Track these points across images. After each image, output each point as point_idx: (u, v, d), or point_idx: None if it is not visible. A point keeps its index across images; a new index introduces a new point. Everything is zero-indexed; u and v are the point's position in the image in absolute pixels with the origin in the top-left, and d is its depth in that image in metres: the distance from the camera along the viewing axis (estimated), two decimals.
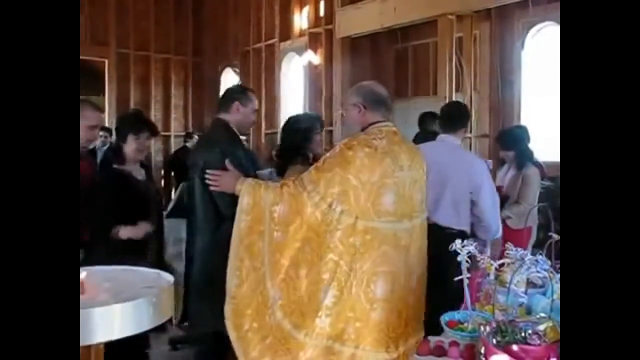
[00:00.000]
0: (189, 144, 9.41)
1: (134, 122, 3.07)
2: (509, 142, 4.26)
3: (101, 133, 7.38)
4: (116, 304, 1.32)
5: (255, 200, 2.36)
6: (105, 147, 7.09)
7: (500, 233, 3.70)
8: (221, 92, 10.68)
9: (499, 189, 3.87)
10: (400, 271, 2.32)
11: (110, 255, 2.53)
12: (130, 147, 2.96)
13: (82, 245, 2.74)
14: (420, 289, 2.46)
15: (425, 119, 5.84)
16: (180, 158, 9.26)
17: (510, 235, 3.60)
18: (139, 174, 3.06)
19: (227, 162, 2.62)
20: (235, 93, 3.07)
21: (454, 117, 3.39)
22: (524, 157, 4.16)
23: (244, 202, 2.39)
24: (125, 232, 2.81)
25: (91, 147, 7.13)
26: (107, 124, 9.53)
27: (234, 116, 2.97)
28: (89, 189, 2.80)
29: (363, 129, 2.43)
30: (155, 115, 10.77)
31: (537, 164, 4.42)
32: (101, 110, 3.08)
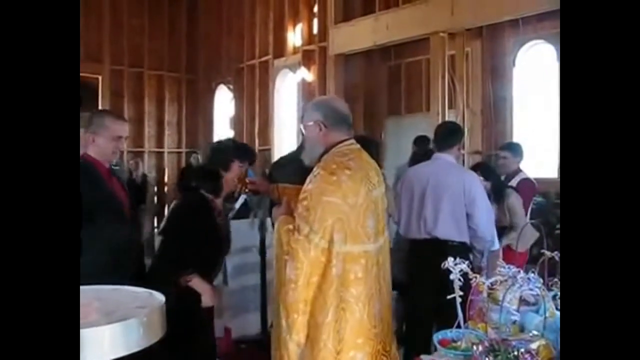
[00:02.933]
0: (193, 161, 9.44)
1: (240, 148, 2.97)
2: (485, 172, 4.29)
3: None
4: (107, 325, 1.31)
5: (277, 241, 2.31)
6: None
7: (497, 245, 3.75)
8: (215, 108, 10.53)
9: None
10: (382, 288, 2.32)
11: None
12: (232, 174, 2.84)
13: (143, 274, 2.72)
14: (389, 302, 2.44)
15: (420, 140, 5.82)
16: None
17: (514, 258, 3.63)
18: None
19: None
20: None
21: (447, 136, 3.55)
22: (498, 189, 4.17)
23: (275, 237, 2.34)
24: (205, 300, 2.68)
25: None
26: None
27: None
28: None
29: (328, 149, 2.31)
30: (149, 131, 10.80)
31: (529, 181, 4.44)
32: (125, 120, 2.88)
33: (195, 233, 2.65)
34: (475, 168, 4.42)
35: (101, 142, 2.65)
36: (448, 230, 3.27)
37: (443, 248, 3.11)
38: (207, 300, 2.67)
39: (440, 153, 3.51)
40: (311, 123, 2.33)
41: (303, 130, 2.42)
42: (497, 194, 4.11)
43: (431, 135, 5.79)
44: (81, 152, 2.65)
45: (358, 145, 2.34)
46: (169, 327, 2.51)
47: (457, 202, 3.27)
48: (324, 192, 2.16)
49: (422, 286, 3.29)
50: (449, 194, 3.28)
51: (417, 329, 3.38)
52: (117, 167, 3.12)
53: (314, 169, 2.26)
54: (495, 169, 4.35)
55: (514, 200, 4.09)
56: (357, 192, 2.19)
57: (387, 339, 2.32)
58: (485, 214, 3.31)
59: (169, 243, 2.71)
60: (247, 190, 2.82)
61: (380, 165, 2.54)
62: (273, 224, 2.46)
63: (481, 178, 4.06)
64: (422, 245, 3.35)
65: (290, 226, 2.22)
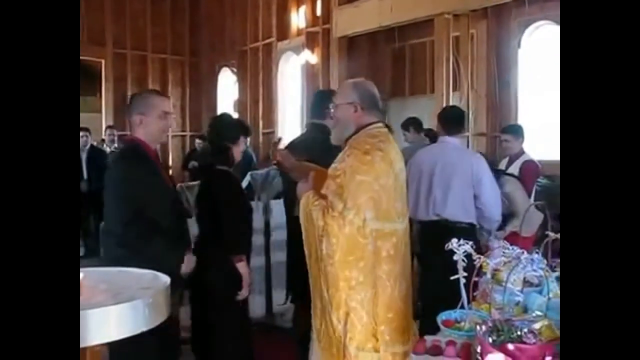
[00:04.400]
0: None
1: (244, 125, 3.18)
2: None
3: (81, 133, 7.22)
4: (112, 306, 1.32)
5: (307, 218, 2.33)
6: (87, 147, 6.88)
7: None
8: (219, 91, 10.42)
9: None
10: (408, 267, 2.44)
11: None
12: (240, 148, 2.99)
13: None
14: (411, 281, 2.55)
15: (411, 123, 5.70)
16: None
17: (519, 242, 3.64)
18: None
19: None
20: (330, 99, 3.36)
21: (455, 121, 3.62)
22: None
23: (302, 216, 2.37)
24: (244, 288, 2.82)
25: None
26: (103, 124, 9.54)
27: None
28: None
29: (357, 130, 2.37)
30: None
31: (532, 162, 4.42)
32: (167, 96, 2.94)
33: (237, 208, 2.83)
34: None
35: (150, 122, 2.59)
36: (456, 211, 3.32)
37: (452, 229, 3.15)
38: (244, 292, 2.83)
39: (446, 136, 3.55)
40: (347, 103, 2.39)
41: (334, 110, 2.47)
42: None
43: (423, 119, 5.79)
44: (130, 135, 2.69)
45: (386, 129, 2.41)
46: (217, 307, 2.73)
47: (465, 183, 3.33)
48: (358, 171, 2.23)
49: (430, 268, 3.31)
50: (457, 176, 3.33)
51: (426, 310, 3.40)
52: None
53: (346, 148, 2.33)
54: (490, 157, 4.35)
55: (512, 188, 4.08)
56: (388, 174, 2.27)
57: (409, 317, 2.43)
58: (492, 194, 3.37)
59: (218, 224, 2.78)
60: (274, 163, 2.93)
61: None
62: (286, 203, 2.46)
63: None
64: (430, 226, 3.39)
65: (324, 202, 2.28)
